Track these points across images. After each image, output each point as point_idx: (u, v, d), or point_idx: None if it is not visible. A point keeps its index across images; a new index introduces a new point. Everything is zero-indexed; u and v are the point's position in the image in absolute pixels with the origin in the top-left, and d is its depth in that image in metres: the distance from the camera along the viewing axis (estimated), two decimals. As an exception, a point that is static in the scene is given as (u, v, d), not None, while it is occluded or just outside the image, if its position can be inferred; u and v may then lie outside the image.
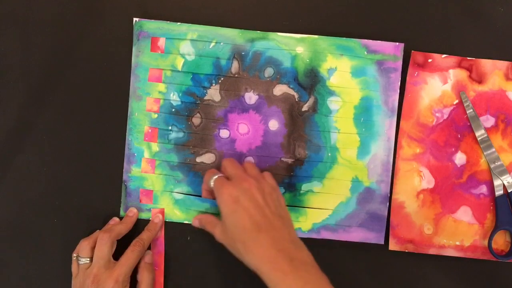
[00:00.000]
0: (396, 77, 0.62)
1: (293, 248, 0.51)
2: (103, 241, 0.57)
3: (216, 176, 0.57)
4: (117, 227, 0.60)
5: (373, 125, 0.62)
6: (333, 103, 0.62)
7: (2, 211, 0.63)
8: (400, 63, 0.62)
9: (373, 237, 0.62)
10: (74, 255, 0.59)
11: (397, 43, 0.62)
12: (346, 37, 0.62)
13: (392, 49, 0.62)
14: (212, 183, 0.57)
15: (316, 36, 0.62)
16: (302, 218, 0.63)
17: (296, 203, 0.63)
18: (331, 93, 0.62)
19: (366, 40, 0.62)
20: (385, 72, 0.62)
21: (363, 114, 0.62)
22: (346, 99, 0.62)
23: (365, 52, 0.62)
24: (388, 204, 0.62)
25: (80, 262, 0.58)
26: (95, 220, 0.63)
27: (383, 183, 0.62)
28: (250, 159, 0.63)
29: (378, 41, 0.62)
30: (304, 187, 0.63)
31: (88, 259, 0.57)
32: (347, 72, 0.62)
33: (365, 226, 0.62)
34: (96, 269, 0.56)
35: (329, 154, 0.62)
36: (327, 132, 0.62)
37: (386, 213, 0.62)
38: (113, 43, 0.63)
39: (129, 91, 0.63)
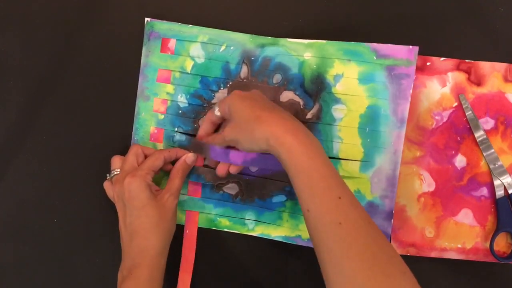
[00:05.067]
0: (408, 84, 0.60)
1: (306, 129, 0.52)
2: (129, 150, 0.59)
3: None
4: (153, 149, 0.62)
5: (379, 136, 0.60)
6: (337, 111, 0.61)
7: (2, 211, 0.64)
8: (413, 68, 0.60)
9: None
10: (107, 175, 0.60)
11: (411, 46, 0.60)
12: (344, 39, 0.61)
13: (405, 53, 0.60)
14: (217, 108, 0.57)
15: (324, 41, 0.61)
16: (302, 227, 0.62)
17: (297, 212, 0.62)
18: (336, 100, 0.61)
19: (376, 44, 0.60)
20: (396, 78, 0.60)
21: (369, 123, 0.61)
22: (351, 107, 0.61)
23: (374, 57, 0.60)
24: (392, 221, 0.61)
25: (111, 176, 0.59)
26: (96, 220, 0.63)
27: (387, 198, 0.61)
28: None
29: (390, 44, 0.60)
30: (306, 195, 0.62)
31: (118, 170, 0.59)
32: (354, 79, 0.61)
33: None
34: (121, 174, 0.57)
35: (331, 165, 0.62)
36: (330, 142, 0.61)
37: (390, 231, 0.61)
38: (123, 42, 0.63)
39: (136, 90, 0.63)
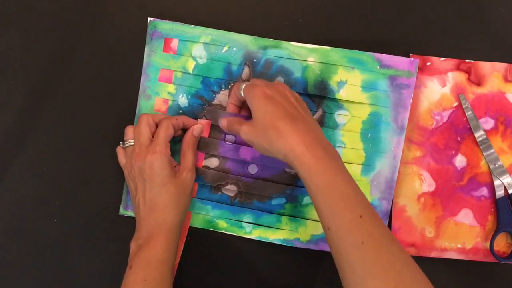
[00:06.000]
0: (408, 94, 0.61)
1: (326, 140, 0.53)
2: (140, 121, 0.59)
3: (247, 83, 0.57)
4: (161, 115, 0.61)
5: (380, 142, 0.62)
6: (340, 116, 0.62)
7: (2, 211, 0.63)
8: (413, 79, 0.61)
9: None
10: (120, 143, 0.60)
11: (412, 59, 0.61)
12: (344, 36, 0.62)
13: (406, 65, 0.61)
14: (242, 90, 0.56)
15: (328, 48, 0.61)
16: (302, 229, 0.62)
17: (296, 214, 0.62)
18: (340, 106, 0.62)
19: (379, 54, 0.61)
20: (397, 88, 0.61)
21: (371, 129, 0.62)
22: (354, 114, 0.62)
23: (378, 67, 0.61)
24: (388, 220, 0.62)
25: (125, 145, 0.59)
26: (95, 220, 0.63)
27: (385, 200, 0.62)
28: (253, 167, 0.62)
29: (393, 55, 0.61)
30: (306, 199, 0.62)
31: (132, 141, 0.59)
32: (357, 86, 0.61)
33: None
34: (138, 148, 0.58)
35: (334, 168, 0.62)
36: (333, 146, 0.62)
37: None
38: (125, 42, 0.63)
39: (138, 90, 0.63)
